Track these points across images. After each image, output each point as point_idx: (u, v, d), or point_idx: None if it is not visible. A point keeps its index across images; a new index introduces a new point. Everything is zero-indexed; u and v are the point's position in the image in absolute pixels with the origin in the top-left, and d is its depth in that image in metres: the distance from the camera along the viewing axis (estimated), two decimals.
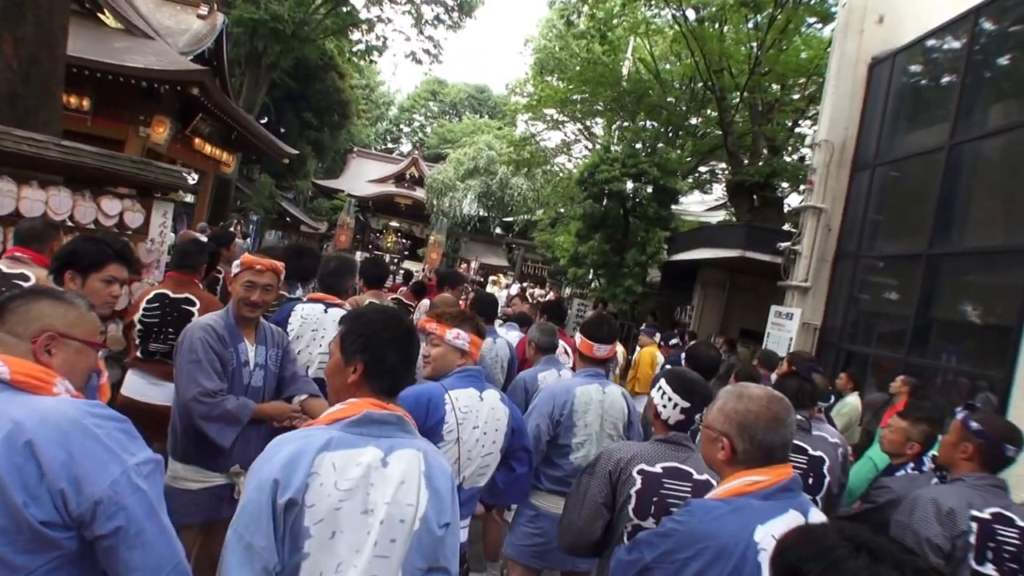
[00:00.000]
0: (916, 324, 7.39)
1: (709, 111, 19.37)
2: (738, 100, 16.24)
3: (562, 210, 24.80)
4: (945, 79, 7.97)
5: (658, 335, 8.86)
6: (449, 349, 2.50)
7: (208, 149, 17.38)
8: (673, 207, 18.53)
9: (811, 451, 2.80)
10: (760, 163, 15.28)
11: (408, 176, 37.62)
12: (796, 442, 2.78)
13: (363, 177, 38.57)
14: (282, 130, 33.25)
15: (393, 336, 1.62)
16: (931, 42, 8.18)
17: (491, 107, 53.51)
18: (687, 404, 2.25)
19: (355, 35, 26.97)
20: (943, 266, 7.29)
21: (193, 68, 13.51)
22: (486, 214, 32.45)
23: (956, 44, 7.69)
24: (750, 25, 16.44)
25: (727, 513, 1.55)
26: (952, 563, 2.25)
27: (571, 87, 19.05)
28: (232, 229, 15.76)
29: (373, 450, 1.48)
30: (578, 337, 3.23)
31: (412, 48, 27.40)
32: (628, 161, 14.56)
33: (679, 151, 21.25)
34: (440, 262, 28.42)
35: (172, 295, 3.45)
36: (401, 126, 59.71)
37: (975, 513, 2.27)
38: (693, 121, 21.39)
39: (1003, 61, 7.12)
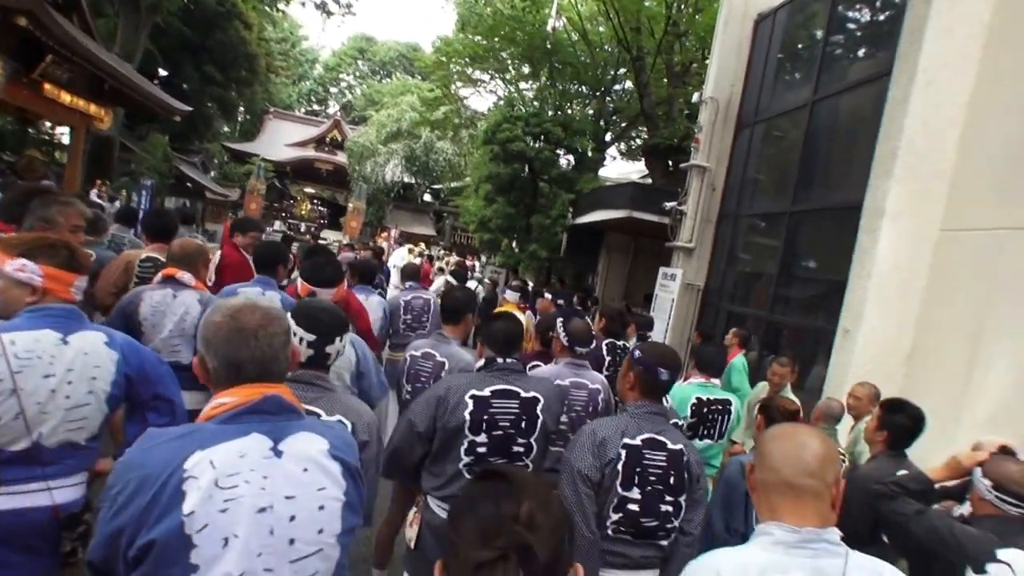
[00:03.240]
0: (779, 282, 7.86)
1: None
2: (654, 61, 16.59)
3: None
4: (812, 35, 8.40)
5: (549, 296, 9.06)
6: (11, 283, 2.20)
7: (68, 99, 15.92)
8: (603, 173, 18.78)
9: (523, 393, 2.85)
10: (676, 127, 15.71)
11: (329, 139, 37.23)
12: (507, 386, 2.83)
13: (281, 140, 37.99)
14: (185, 87, 32.36)
15: None
16: (799, 2, 8.58)
17: (423, 67, 52.89)
18: (313, 337, 2.26)
19: None
20: (803, 224, 7.75)
21: None
22: (412, 180, 32.40)
23: (819, 11, 8.11)
24: None
25: (171, 440, 1.49)
26: (603, 491, 2.46)
27: (483, 41, 19.08)
28: (98, 193, 15.22)
29: None
30: (298, 282, 3.28)
31: None
32: (532, 120, 14.79)
33: (605, 115, 21.59)
34: (361, 231, 28.39)
35: None
36: (328, 86, 58.76)
37: (627, 440, 2.47)
38: (628, 85, 21.72)
39: (862, 17, 7.56)
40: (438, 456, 2.81)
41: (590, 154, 17.95)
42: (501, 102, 25.21)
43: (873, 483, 2.89)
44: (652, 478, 2.49)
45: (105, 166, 22.44)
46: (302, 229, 28.02)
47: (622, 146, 24.75)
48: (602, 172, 22.47)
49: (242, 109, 49.11)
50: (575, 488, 2.42)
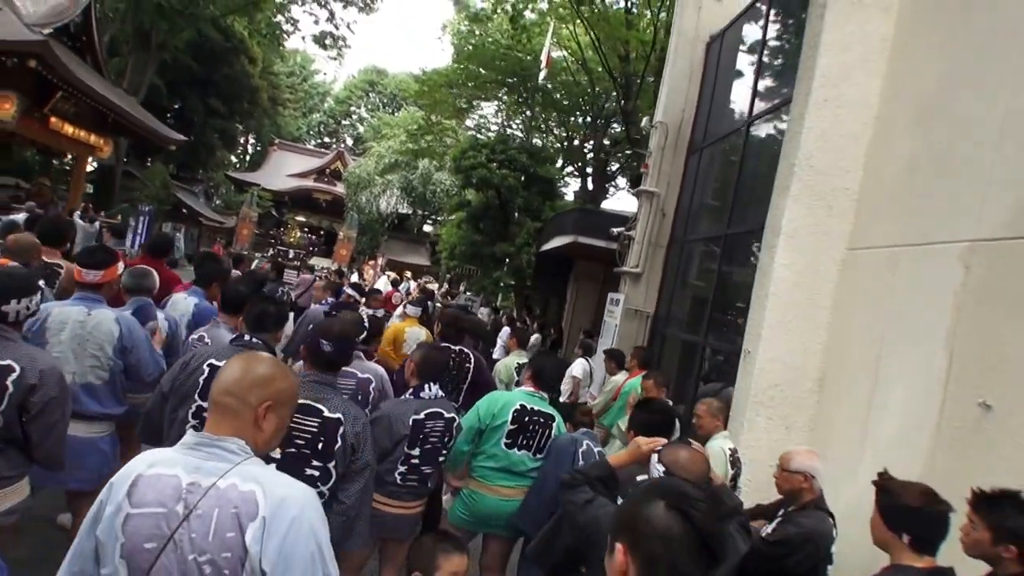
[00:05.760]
0: (713, 307, 7.70)
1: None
2: (639, 88, 16.63)
3: None
4: (749, 57, 8.34)
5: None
6: None
7: (70, 130, 17.10)
8: (612, 207, 18.73)
9: None
10: None
11: (330, 171, 37.71)
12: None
13: (284, 171, 38.59)
14: (195, 119, 33.13)
15: None
16: (746, 21, 8.55)
17: (406, 95, 53.46)
18: None
19: (261, 16, 26.75)
20: (736, 247, 7.60)
21: (30, 39, 13.24)
22: (408, 211, 32.60)
23: (759, 24, 8.07)
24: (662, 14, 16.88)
25: None
26: None
27: (475, 69, 19.25)
28: (81, 215, 15.57)
29: None
30: (75, 266, 3.56)
31: (322, 30, 26.40)
32: (498, 147, 14.81)
33: (605, 146, 21.65)
34: (353, 259, 28.59)
35: None
36: (339, 119, 59.60)
37: None
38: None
39: (791, 38, 7.49)
40: (171, 420, 2.95)
41: (594, 185, 17.90)
42: (487, 132, 25.46)
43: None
44: (299, 441, 2.70)
45: (107, 193, 23.51)
46: (291, 256, 28.35)
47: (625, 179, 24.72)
48: (612, 205, 22.52)
49: (252, 140, 50.24)
50: None
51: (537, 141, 22.50)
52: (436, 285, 26.80)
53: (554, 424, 3.93)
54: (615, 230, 9.95)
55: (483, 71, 18.69)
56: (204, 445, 1.61)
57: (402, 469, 3.35)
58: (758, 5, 7.98)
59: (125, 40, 24.12)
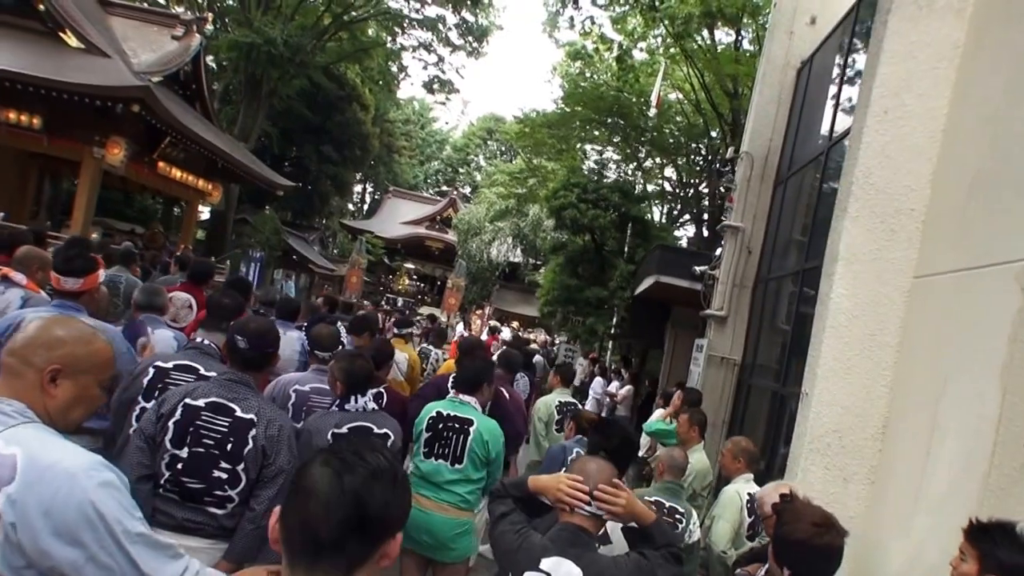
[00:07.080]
0: (791, 351, 7.35)
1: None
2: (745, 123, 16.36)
3: None
4: (831, 81, 8.06)
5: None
6: None
7: (179, 175, 18.47)
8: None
9: (202, 370, 3.17)
10: None
11: (441, 218, 39.02)
12: (190, 362, 3.21)
13: (398, 219, 40.30)
14: (310, 167, 35.36)
15: None
16: (834, 44, 8.31)
17: (507, 137, 54.11)
18: None
19: (373, 63, 28.34)
20: (811, 283, 7.25)
21: (133, 84, 14.36)
22: (519, 260, 33.04)
23: (844, 44, 7.84)
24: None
25: None
26: (158, 446, 2.69)
27: (562, 110, 19.55)
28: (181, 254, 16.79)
29: None
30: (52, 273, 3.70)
31: (431, 74, 27.60)
32: (590, 186, 14.82)
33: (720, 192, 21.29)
34: (462, 308, 29.27)
35: None
36: (456, 167, 61.70)
37: (188, 401, 2.72)
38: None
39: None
40: (115, 426, 3.12)
41: (709, 231, 17.66)
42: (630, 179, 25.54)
43: None
44: (208, 441, 2.70)
45: (219, 239, 25.25)
46: (399, 303, 29.45)
47: None
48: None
49: (370, 188, 52.92)
50: (134, 440, 2.71)
51: (651, 186, 22.48)
52: (543, 336, 27.04)
53: (472, 428, 3.84)
54: (698, 269, 9.69)
55: (585, 110, 18.92)
56: None
57: None
58: (844, 25, 7.76)
59: (238, 89, 26.11)
